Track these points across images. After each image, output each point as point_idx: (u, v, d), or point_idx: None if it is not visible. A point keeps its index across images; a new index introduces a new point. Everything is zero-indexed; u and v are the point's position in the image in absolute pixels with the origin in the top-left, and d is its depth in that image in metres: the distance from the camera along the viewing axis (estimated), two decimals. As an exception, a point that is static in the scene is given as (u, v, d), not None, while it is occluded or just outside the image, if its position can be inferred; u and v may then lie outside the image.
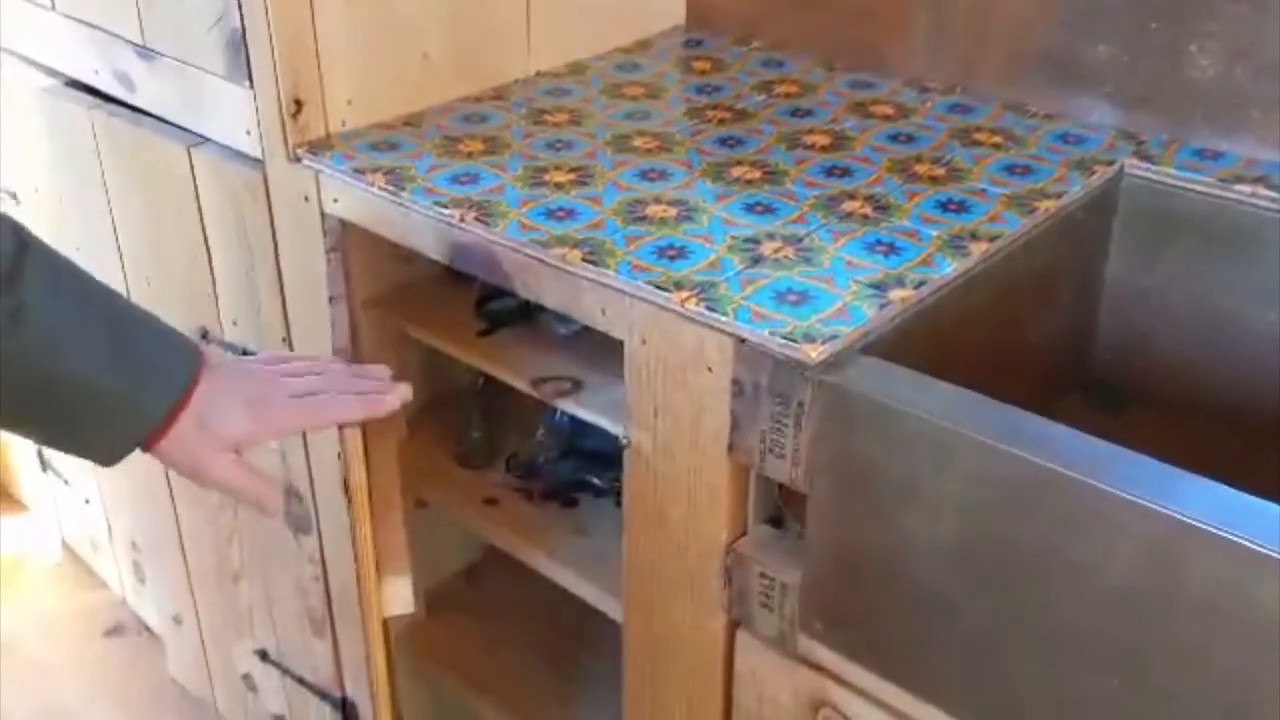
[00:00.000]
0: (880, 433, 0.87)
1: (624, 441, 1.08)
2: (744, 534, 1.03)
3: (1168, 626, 0.77)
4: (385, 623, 1.05)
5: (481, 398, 1.41)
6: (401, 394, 0.97)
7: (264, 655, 1.70)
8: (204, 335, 1.46)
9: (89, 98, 1.50)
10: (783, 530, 1.03)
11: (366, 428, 0.99)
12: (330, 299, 1.28)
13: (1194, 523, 0.74)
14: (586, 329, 1.10)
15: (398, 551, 1.04)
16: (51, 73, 1.56)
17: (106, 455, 0.87)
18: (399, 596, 1.03)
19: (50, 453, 2.13)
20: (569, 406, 1.19)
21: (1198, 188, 1.18)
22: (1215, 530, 0.73)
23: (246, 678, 1.78)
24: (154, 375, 0.85)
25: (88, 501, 2.07)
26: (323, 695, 1.62)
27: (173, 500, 1.71)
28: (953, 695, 0.91)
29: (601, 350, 1.21)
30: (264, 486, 0.92)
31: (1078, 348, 1.27)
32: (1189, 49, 1.23)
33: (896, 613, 0.92)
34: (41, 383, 0.81)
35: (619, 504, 1.19)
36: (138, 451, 0.87)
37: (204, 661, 1.86)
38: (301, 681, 1.64)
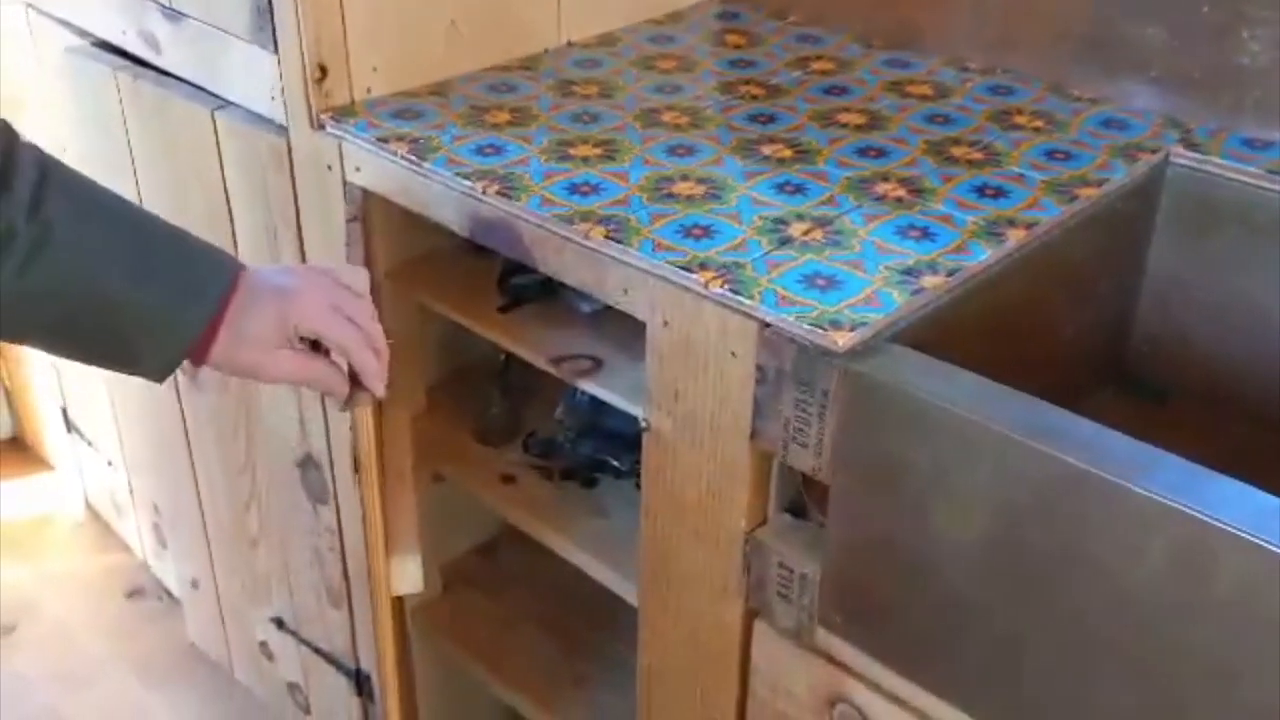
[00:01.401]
0: (907, 424, 0.85)
1: (644, 424, 1.06)
2: (764, 522, 1.01)
3: (1195, 631, 0.75)
4: (396, 600, 1.03)
5: (502, 374, 1.39)
6: (381, 391, 0.94)
7: (280, 623, 1.70)
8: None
9: (115, 58, 1.48)
10: (803, 520, 1.01)
11: (382, 403, 0.96)
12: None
13: (1224, 526, 0.71)
14: (608, 307, 1.08)
15: (408, 531, 1.02)
16: (80, 32, 1.54)
17: (155, 372, 0.87)
18: (408, 575, 1.01)
19: (74, 413, 2.13)
20: (589, 386, 1.16)
21: (1245, 178, 1.14)
22: (1246, 534, 0.70)
23: (263, 645, 1.77)
24: (190, 290, 0.85)
25: (110, 464, 2.07)
26: (337, 665, 1.61)
27: (192, 464, 1.70)
28: (971, 694, 0.89)
29: (624, 329, 1.19)
30: (327, 373, 0.90)
31: (1114, 340, 1.23)
32: (1241, 34, 1.19)
33: (917, 609, 0.90)
34: (79, 304, 0.82)
35: (638, 486, 1.17)
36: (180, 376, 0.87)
37: (222, 627, 1.86)
38: (317, 650, 1.64)
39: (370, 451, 0.97)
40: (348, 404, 0.93)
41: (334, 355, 0.90)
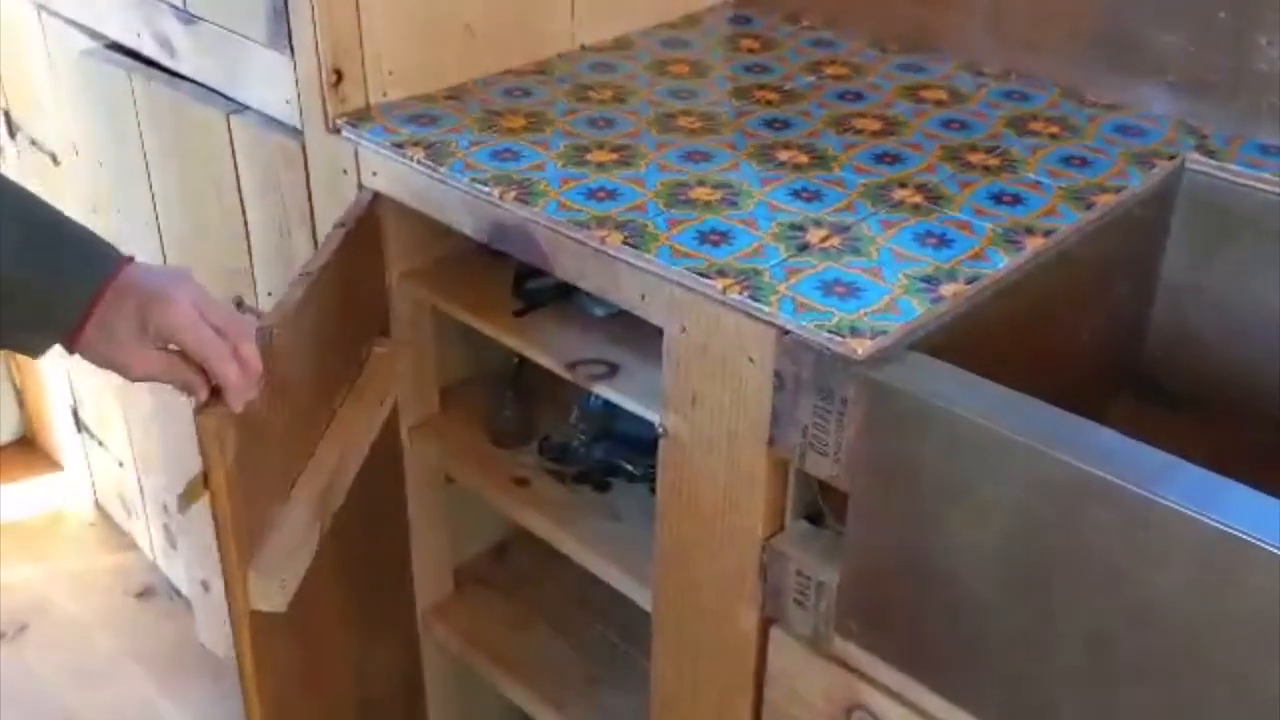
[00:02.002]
0: (926, 433, 0.85)
1: (660, 430, 1.06)
2: (781, 530, 1.01)
3: (1215, 641, 0.74)
4: (251, 616, 1.02)
5: (516, 377, 1.39)
6: (240, 406, 0.93)
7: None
8: (239, 304, 1.44)
9: (130, 61, 1.48)
10: (820, 528, 1.01)
11: (237, 417, 0.94)
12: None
13: (1245, 536, 0.71)
14: (624, 311, 1.08)
15: (277, 548, 1.02)
16: (93, 35, 1.54)
17: (34, 352, 0.90)
18: (263, 592, 1.00)
19: (85, 413, 2.14)
20: (604, 391, 1.16)
21: (1260, 184, 1.14)
22: (1267, 545, 0.70)
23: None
24: (72, 274, 0.86)
25: (120, 464, 2.07)
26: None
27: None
28: (989, 703, 0.89)
29: (639, 333, 1.19)
30: (188, 375, 0.91)
31: (1130, 346, 1.23)
32: (1258, 39, 1.19)
33: (935, 617, 0.90)
34: None
35: (653, 490, 1.16)
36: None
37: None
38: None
39: (223, 465, 0.95)
40: (199, 411, 0.93)
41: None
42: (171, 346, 0.89)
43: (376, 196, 1.24)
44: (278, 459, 1.07)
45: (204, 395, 0.92)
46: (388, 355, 1.28)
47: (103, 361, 0.89)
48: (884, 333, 0.89)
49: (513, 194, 1.09)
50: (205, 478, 0.95)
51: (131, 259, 0.90)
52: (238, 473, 0.96)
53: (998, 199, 1.09)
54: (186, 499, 0.96)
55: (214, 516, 0.97)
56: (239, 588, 1.00)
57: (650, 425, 1.09)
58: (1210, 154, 1.18)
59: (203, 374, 0.91)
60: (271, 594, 1.01)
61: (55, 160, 1.78)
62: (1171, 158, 1.17)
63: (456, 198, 1.14)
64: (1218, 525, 0.72)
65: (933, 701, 0.93)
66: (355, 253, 1.21)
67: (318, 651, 1.25)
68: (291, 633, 1.13)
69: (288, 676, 1.14)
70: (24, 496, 2.32)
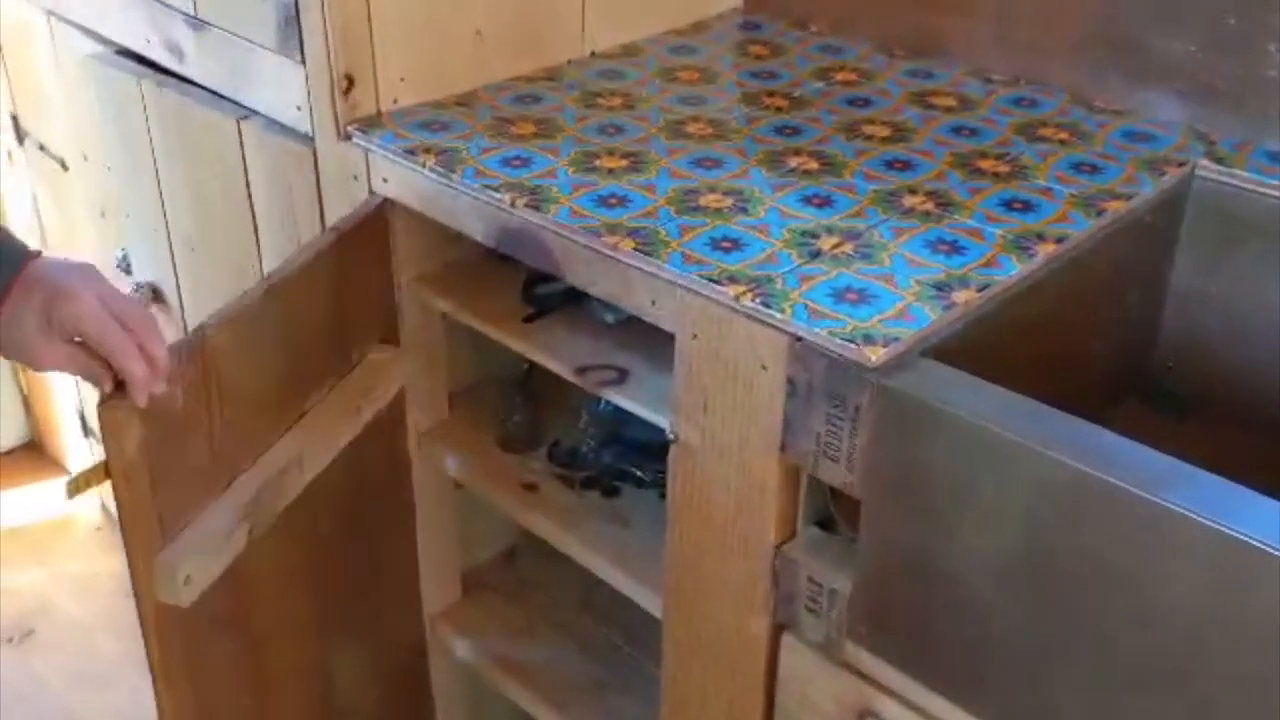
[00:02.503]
0: (940, 440, 0.85)
1: (671, 436, 1.06)
2: (792, 536, 1.01)
3: (1228, 649, 0.75)
4: (159, 608, 1.02)
5: (525, 382, 1.39)
6: (143, 400, 0.94)
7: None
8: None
9: (139, 66, 1.49)
10: (832, 534, 1.01)
11: (143, 409, 0.95)
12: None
13: (1259, 544, 0.71)
14: (634, 317, 1.08)
15: (183, 541, 1.02)
16: (103, 40, 1.55)
17: None
18: (167, 584, 1.00)
19: (92, 418, 2.14)
20: (614, 397, 1.17)
21: (1270, 191, 1.15)
22: (1277, 552, 0.70)
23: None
24: None
25: (127, 468, 2.07)
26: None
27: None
28: (1000, 709, 0.89)
29: (649, 339, 1.19)
30: (93, 367, 0.92)
31: (1139, 353, 1.23)
32: (1267, 47, 1.19)
33: (947, 623, 0.90)
34: None
35: (662, 496, 1.17)
36: None
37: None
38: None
39: (123, 457, 0.96)
40: (100, 403, 0.94)
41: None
42: (78, 339, 0.90)
43: (384, 202, 1.24)
44: (207, 456, 1.07)
45: (108, 387, 0.93)
46: (383, 361, 1.28)
47: (12, 353, 0.91)
48: (897, 340, 0.89)
49: (524, 200, 1.09)
50: (106, 468, 0.96)
51: (39, 254, 0.91)
52: (142, 464, 0.97)
53: (1009, 206, 1.09)
54: (73, 487, 0.98)
55: (117, 506, 0.97)
56: (142, 579, 1.00)
57: (659, 431, 1.09)
58: (1219, 160, 1.18)
59: (108, 367, 0.92)
60: (173, 588, 1.01)
61: (64, 165, 1.79)
62: (1181, 164, 1.17)
63: (467, 204, 1.14)
64: (1228, 531, 0.72)
65: (944, 707, 0.93)
66: (353, 257, 1.22)
67: (287, 656, 1.26)
68: (237, 634, 1.14)
69: (224, 678, 1.15)
70: (30, 501, 2.32)
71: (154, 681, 1.05)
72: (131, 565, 1.00)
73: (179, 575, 1.01)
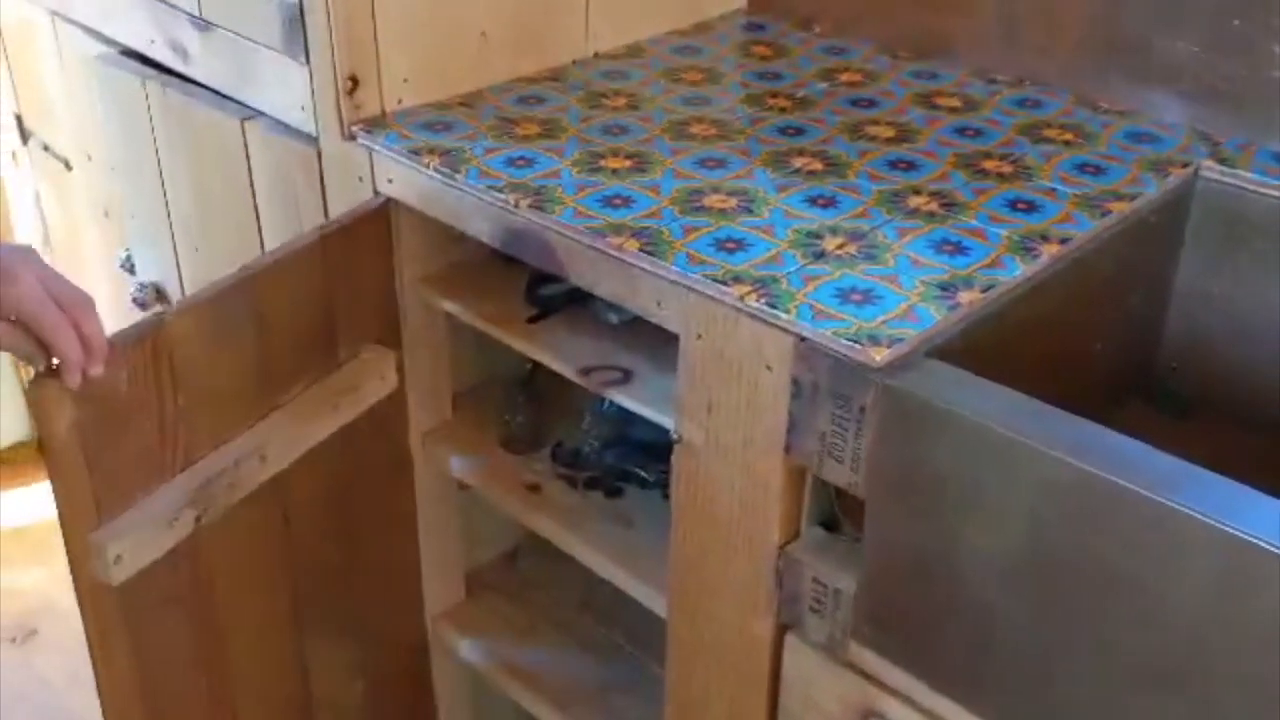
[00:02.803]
0: (945, 440, 0.85)
1: (675, 437, 1.06)
2: (796, 537, 1.01)
3: (1234, 651, 0.74)
4: (92, 584, 1.04)
5: (528, 383, 1.39)
6: (75, 381, 0.95)
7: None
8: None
9: (144, 67, 1.49)
10: (836, 535, 1.01)
11: (79, 390, 0.97)
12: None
13: (1262, 544, 0.71)
14: (638, 317, 1.08)
15: (121, 521, 1.04)
16: (107, 41, 1.55)
17: None
18: (96, 563, 1.02)
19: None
20: (618, 397, 1.17)
21: (1274, 192, 1.15)
22: (1283, 553, 0.70)
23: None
24: None
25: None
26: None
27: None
28: (1004, 709, 0.89)
29: (653, 340, 1.19)
30: (28, 346, 0.93)
31: (1143, 353, 1.23)
32: (1271, 48, 1.19)
33: (952, 624, 0.90)
34: None
35: (666, 497, 1.17)
36: None
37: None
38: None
39: (54, 436, 0.98)
40: (32, 381, 0.96)
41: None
42: (13, 318, 0.91)
43: (385, 202, 1.24)
44: (156, 440, 1.08)
45: (42, 367, 0.94)
46: (371, 361, 1.28)
47: None
48: (901, 340, 0.89)
49: (528, 201, 1.09)
50: (39, 445, 0.99)
51: None
52: (74, 444, 0.99)
53: (1013, 206, 1.09)
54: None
55: (50, 483, 1.00)
56: (75, 556, 1.03)
57: (663, 431, 1.09)
58: (1223, 161, 1.18)
59: (44, 347, 0.93)
60: (102, 566, 1.03)
61: (68, 165, 1.79)
62: (1185, 165, 1.17)
63: (471, 204, 1.14)
64: (1233, 532, 0.72)
65: (949, 708, 0.93)
66: (346, 256, 1.22)
67: (258, 646, 1.27)
68: (193, 618, 1.16)
69: (177, 659, 1.17)
70: (32, 500, 2.32)
71: (90, 652, 1.08)
72: (66, 542, 1.03)
73: (109, 554, 1.03)
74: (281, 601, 1.28)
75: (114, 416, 1.02)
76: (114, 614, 1.07)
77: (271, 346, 1.17)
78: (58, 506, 1.01)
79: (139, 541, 1.06)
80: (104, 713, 1.11)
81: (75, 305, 0.92)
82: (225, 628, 1.22)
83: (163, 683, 1.16)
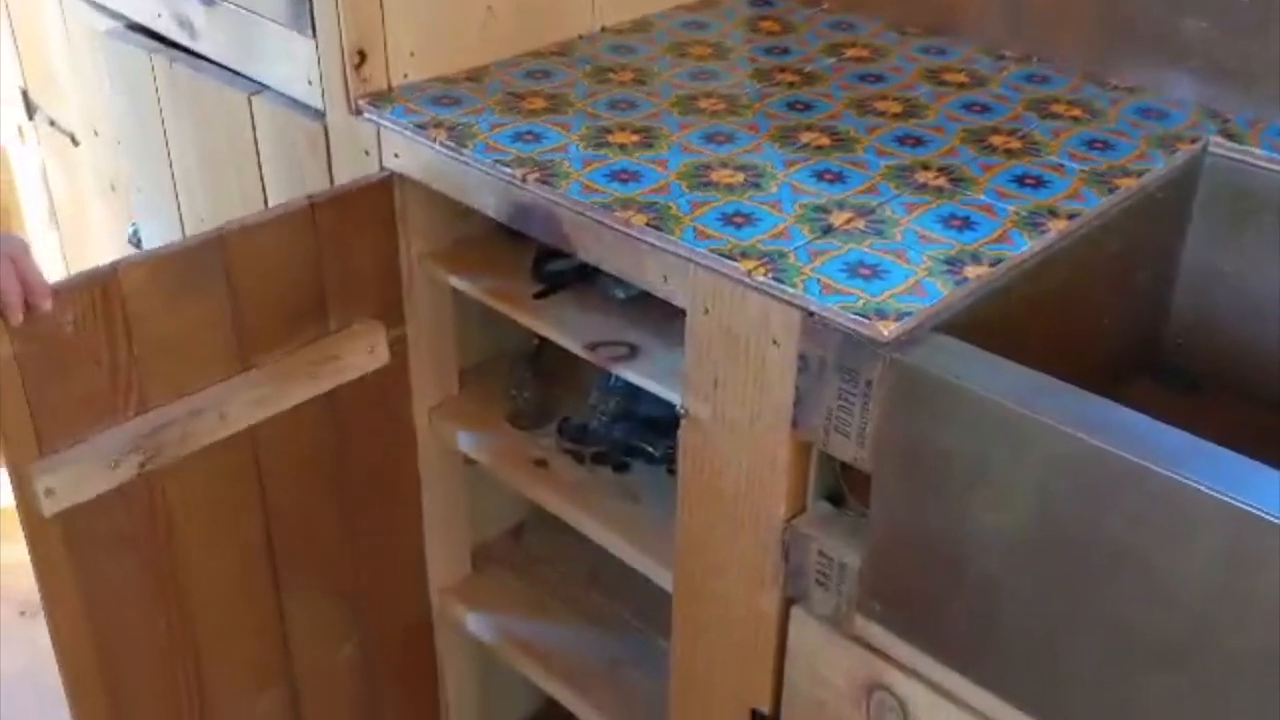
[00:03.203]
0: (952, 415, 0.85)
1: (682, 412, 1.06)
2: (803, 511, 1.02)
3: (1242, 626, 0.75)
4: (33, 516, 1.09)
5: (535, 358, 1.39)
6: (17, 319, 1.01)
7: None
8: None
9: (150, 41, 1.48)
10: (842, 509, 1.01)
11: (22, 330, 1.03)
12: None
13: (1272, 519, 0.71)
14: (644, 293, 1.08)
15: (59, 458, 1.08)
16: (113, 15, 1.54)
17: None
18: (30, 492, 1.07)
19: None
20: (624, 372, 1.17)
21: (1283, 169, 1.14)
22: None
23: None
24: None
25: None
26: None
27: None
28: (1011, 683, 0.90)
29: (659, 315, 1.19)
30: None
31: (1150, 329, 1.23)
32: (1281, 24, 1.18)
33: (958, 598, 0.90)
34: None
35: (672, 472, 1.17)
36: None
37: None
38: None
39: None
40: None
41: None
42: None
43: (388, 176, 1.24)
44: (107, 385, 1.11)
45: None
46: (359, 333, 1.28)
47: None
48: (909, 315, 0.89)
49: (535, 176, 1.09)
50: None
51: None
52: (14, 376, 1.04)
53: (1020, 182, 1.09)
54: None
55: None
56: (16, 487, 1.08)
57: (669, 406, 1.10)
58: (1232, 137, 1.18)
59: None
60: (34, 497, 1.08)
61: (74, 140, 1.79)
62: (1194, 141, 1.17)
63: (478, 179, 1.14)
64: (1243, 507, 0.72)
65: (954, 681, 0.93)
66: (342, 227, 1.23)
67: (226, 598, 1.29)
68: (146, 561, 1.20)
69: (130, 598, 1.20)
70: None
71: (36, 580, 1.13)
72: (9, 473, 1.08)
73: (39, 486, 1.07)
74: (254, 559, 1.31)
75: (58, 357, 1.07)
76: (57, 547, 1.12)
77: (246, 308, 1.19)
78: (2, 436, 1.06)
79: (75, 478, 1.10)
80: (54, 644, 1.17)
81: (12, 249, 0.98)
82: (186, 575, 1.24)
83: (114, 620, 1.20)
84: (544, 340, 1.30)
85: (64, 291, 1.05)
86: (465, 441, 1.40)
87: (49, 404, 1.07)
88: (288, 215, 1.19)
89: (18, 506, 1.09)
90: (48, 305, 1.02)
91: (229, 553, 1.28)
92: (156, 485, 1.17)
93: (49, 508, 1.09)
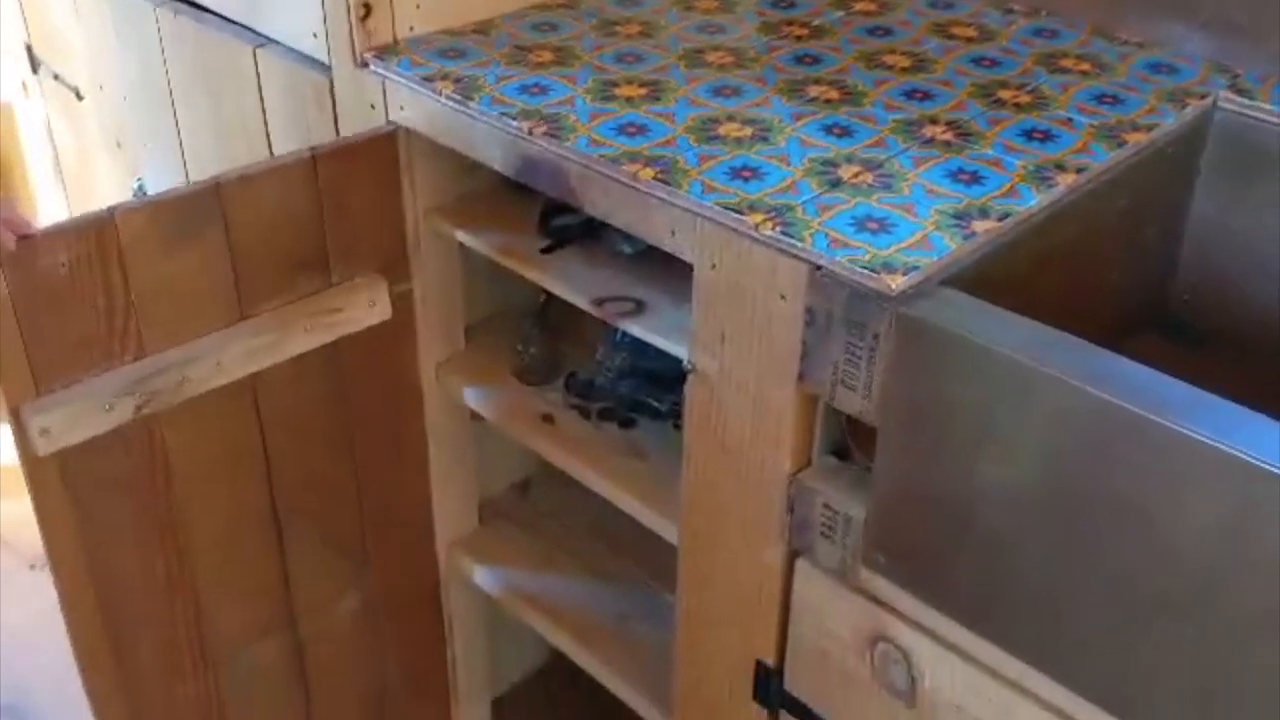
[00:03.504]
0: (959, 368, 0.85)
1: (688, 366, 1.06)
2: (808, 465, 1.02)
3: (1246, 577, 0.75)
4: (30, 455, 1.11)
5: (541, 314, 1.40)
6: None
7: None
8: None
9: (153, -6, 1.48)
10: (847, 463, 1.02)
11: (17, 269, 1.05)
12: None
13: (1276, 471, 0.71)
14: (651, 248, 1.08)
15: (55, 399, 1.11)
16: (116, -33, 1.54)
17: None
18: (26, 430, 1.09)
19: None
20: (631, 328, 1.17)
21: (1293, 125, 1.14)
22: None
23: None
24: None
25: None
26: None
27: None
28: (1014, 634, 0.90)
29: (666, 271, 1.19)
30: None
31: (1157, 286, 1.23)
32: (1294, -22, 1.17)
33: (962, 550, 0.91)
34: None
35: (678, 427, 1.18)
36: None
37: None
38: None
39: None
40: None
41: None
42: None
43: (393, 130, 1.24)
44: (104, 329, 1.13)
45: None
46: (358, 287, 1.28)
47: None
48: (916, 268, 0.89)
49: (542, 129, 1.09)
50: None
51: None
52: (10, 316, 1.05)
53: (1029, 136, 1.08)
54: None
55: None
56: (14, 426, 1.10)
57: (676, 362, 1.10)
58: (1242, 93, 1.17)
59: None
60: (29, 434, 1.10)
61: (79, 95, 1.78)
62: (1203, 96, 1.16)
63: (484, 132, 1.14)
64: (1247, 458, 0.73)
65: (957, 633, 0.94)
66: (345, 180, 1.23)
67: (226, 543, 1.31)
68: (142, 504, 1.21)
69: (127, 539, 1.22)
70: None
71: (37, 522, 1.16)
72: (8, 413, 1.10)
73: (35, 425, 1.09)
74: (255, 509, 1.32)
75: (54, 299, 1.08)
76: (54, 488, 1.14)
77: (244, 258, 1.19)
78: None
79: (71, 418, 1.11)
80: (56, 587, 1.19)
81: None
82: (185, 521, 1.26)
83: (113, 563, 1.22)
84: (550, 296, 1.30)
85: (59, 234, 1.07)
86: (471, 397, 1.40)
87: (45, 345, 1.09)
88: (288, 166, 1.19)
89: (16, 446, 1.11)
90: (30, 230, 1.04)
91: (229, 501, 1.29)
92: (154, 430, 1.18)
93: (44, 447, 1.11)
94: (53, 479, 1.14)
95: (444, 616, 1.59)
